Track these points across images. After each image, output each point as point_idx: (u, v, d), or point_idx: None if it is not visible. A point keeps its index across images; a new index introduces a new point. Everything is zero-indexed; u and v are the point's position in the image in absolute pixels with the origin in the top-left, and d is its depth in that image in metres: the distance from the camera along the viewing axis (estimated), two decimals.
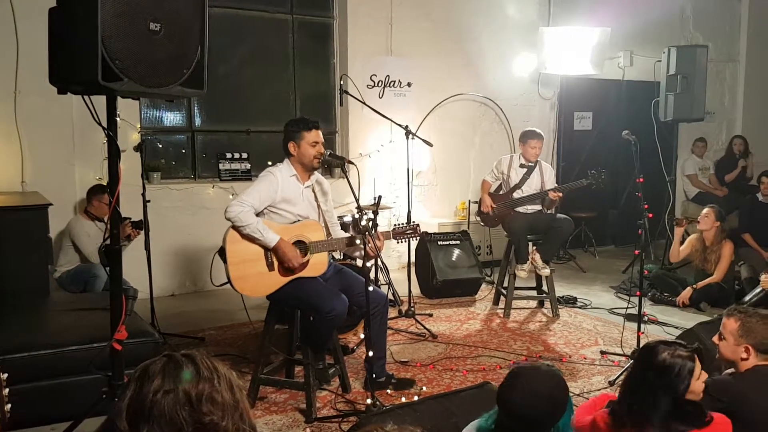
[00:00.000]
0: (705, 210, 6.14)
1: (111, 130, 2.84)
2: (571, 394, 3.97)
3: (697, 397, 2.35)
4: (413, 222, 4.40)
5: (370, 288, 3.70)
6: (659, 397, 2.32)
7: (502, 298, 6.02)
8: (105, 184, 2.94)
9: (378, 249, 3.84)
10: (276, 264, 3.78)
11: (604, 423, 2.44)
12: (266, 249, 3.75)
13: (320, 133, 3.96)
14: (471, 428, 2.27)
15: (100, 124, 2.79)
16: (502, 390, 2.17)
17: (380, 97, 7.46)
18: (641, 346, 2.54)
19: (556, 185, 5.87)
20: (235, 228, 3.71)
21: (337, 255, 5.25)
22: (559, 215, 5.87)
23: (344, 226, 4.94)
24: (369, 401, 3.56)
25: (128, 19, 2.58)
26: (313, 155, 3.90)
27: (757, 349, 2.79)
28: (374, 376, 3.87)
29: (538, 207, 5.87)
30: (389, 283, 5.96)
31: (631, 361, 4.40)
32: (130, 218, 5.36)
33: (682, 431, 2.28)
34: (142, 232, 5.25)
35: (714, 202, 8.48)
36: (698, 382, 2.35)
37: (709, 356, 3.57)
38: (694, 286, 6.01)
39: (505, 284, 5.94)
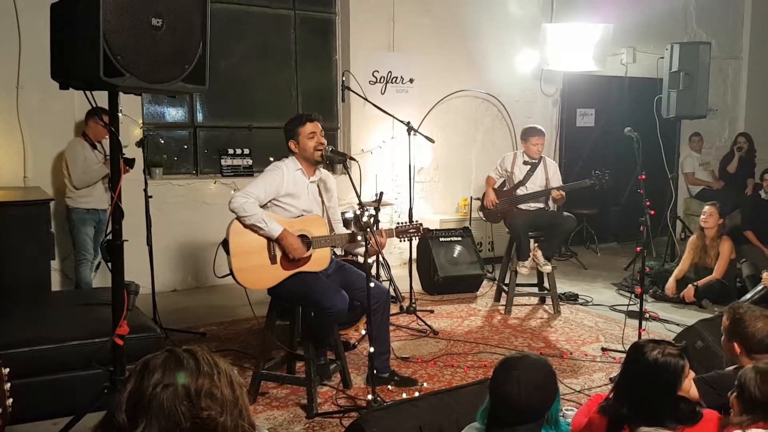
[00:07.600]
0: (707, 208, 6.14)
1: (113, 125, 2.84)
2: (571, 391, 4.02)
3: (687, 394, 2.35)
4: (416, 221, 4.39)
5: (372, 284, 3.71)
6: (653, 396, 2.32)
7: (503, 294, 6.02)
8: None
9: (381, 245, 3.85)
10: (278, 257, 3.79)
11: (598, 424, 2.44)
12: (270, 240, 3.75)
13: (317, 124, 3.96)
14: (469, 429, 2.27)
15: (101, 119, 2.79)
16: (496, 382, 2.16)
17: (382, 93, 7.45)
18: (629, 346, 2.54)
19: (561, 181, 5.87)
20: (238, 219, 3.72)
21: (339, 251, 5.25)
22: (561, 212, 5.87)
23: (346, 222, 4.93)
24: (370, 397, 3.57)
25: (130, 14, 2.58)
26: (313, 147, 3.90)
27: (743, 347, 2.76)
28: (378, 371, 3.88)
29: (541, 204, 5.86)
30: (390, 279, 5.95)
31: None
32: (123, 154, 5.30)
33: (673, 428, 2.29)
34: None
35: (716, 198, 8.49)
36: (688, 379, 2.36)
37: (710, 354, 3.58)
38: (696, 283, 6.00)
39: (507, 281, 5.94)
